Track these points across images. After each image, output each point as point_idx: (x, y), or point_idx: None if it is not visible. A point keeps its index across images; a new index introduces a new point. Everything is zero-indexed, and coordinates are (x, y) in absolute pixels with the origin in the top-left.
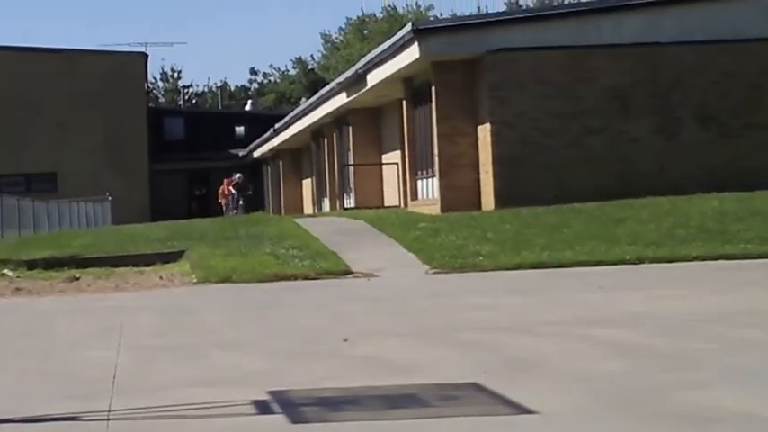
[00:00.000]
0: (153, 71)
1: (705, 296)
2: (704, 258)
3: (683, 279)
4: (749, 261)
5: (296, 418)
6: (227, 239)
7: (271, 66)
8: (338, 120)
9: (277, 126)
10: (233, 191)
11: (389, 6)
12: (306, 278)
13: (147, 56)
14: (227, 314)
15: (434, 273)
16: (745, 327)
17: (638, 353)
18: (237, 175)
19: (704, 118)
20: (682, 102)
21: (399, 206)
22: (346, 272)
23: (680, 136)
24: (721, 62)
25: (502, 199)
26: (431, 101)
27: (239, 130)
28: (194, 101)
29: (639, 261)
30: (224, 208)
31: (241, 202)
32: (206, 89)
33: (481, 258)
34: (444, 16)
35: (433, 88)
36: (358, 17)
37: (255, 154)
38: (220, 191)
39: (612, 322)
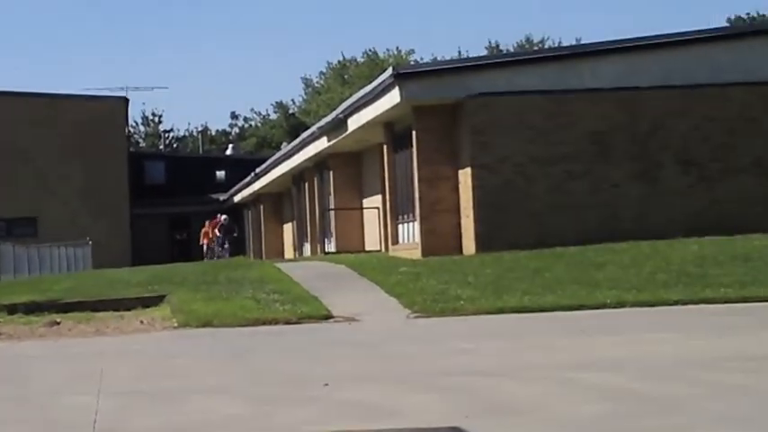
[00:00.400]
0: (134, 115)
1: (687, 341)
2: (685, 303)
3: (665, 323)
4: (729, 305)
5: None
6: (207, 284)
7: (252, 110)
8: (319, 164)
9: (258, 170)
10: (218, 233)
11: (370, 51)
12: (287, 323)
13: (127, 100)
14: (208, 359)
15: (416, 317)
16: (727, 371)
17: (621, 397)
18: (223, 217)
19: (684, 162)
20: (662, 146)
21: (380, 250)
22: (327, 316)
23: (660, 180)
24: (700, 107)
25: (483, 243)
26: (411, 145)
27: (220, 174)
28: (175, 145)
29: (620, 305)
30: (205, 250)
31: (226, 245)
32: (187, 133)
33: (462, 302)
34: (425, 60)
35: (414, 132)
36: (339, 61)
37: (236, 198)
38: (202, 232)
39: (594, 366)
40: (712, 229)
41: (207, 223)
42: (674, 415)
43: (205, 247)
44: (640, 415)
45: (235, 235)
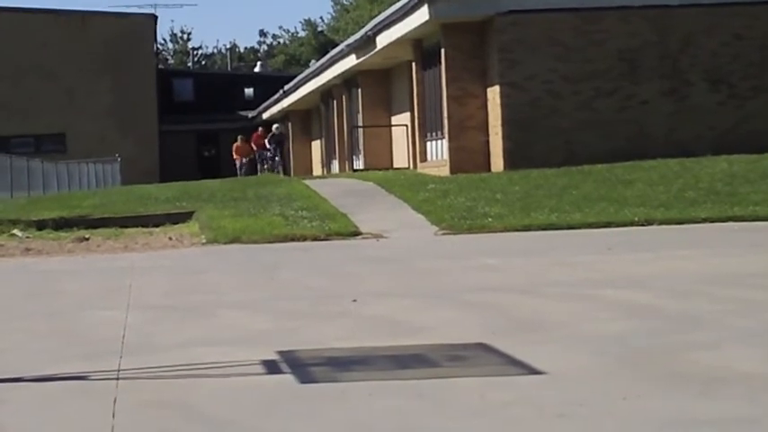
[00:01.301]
0: (162, 33)
1: (714, 258)
2: (713, 220)
3: (692, 241)
4: (758, 223)
5: (304, 378)
6: (235, 200)
7: (280, 27)
8: (348, 81)
9: (286, 87)
10: (268, 144)
11: None
12: (315, 239)
13: (156, 17)
14: (236, 275)
15: (443, 234)
16: (753, 288)
17: (647, 314)
18: (275, 126)
19: (714, 80)
20: (692, 64)
21: (408, 168)
22: (355, 233)
23: (690, 98)
24: (731, 24)
25: (511, 161)
26: (440, 63)
27: (248, 91)
28: (204, 62)
29: (648, 223)
30: (239, 166)
31: (278, 158)
32: (215, 51)
33: (490, 220)
34: None
35: (443, 50)
36: None
37: (265, 115)
38: (234, 147)
39: (621, 284)
40: (742, 146)
41: (240, 138)
42: (699, 331)
43: (238, 163)
44: (665, 332)
45: (285, 146)
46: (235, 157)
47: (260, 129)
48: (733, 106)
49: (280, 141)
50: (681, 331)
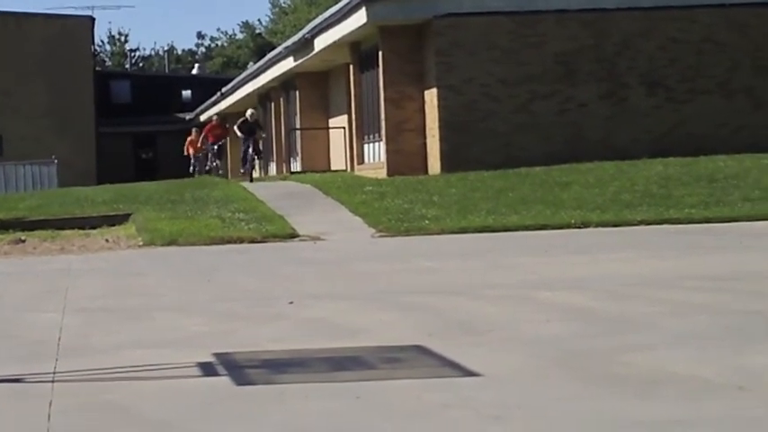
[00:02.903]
0: (100, 34)
1: (649, 260)
2: (648, 223)
3: (628, 243)
4: (693, 225)
5: (241, 381)
6: (173, 203)
7: (218, 30)
8: (285, 84)
9: (224, 90)
10: (239, 134)
11: None
12: (252, 241)
13: (93, 19)
14: (173, 277)
15: (380, 236)
16: (688, 290)
17: (583, 316)
18: (250, 111)
19: (651, 83)
20: (629, 67)
21: (346, 170)
22: (292, 235)
23: (626, 101)
24: (668, 28)
25: (448, 163)
26: (378, 66)
27: (186, 93)
28: (141, 65)
29: (584, 225)
30: (193, 161)
31: (250, 150)
32: (153, 53)
33: (427, 222)
34: None
35: (380, 53)
36: None
37: (202, 117)
38: (188, 141)
39: (557, 286)
40: (678, 149)
41: (194, 131)
42: (635, 334)
43: (192, 158)
44: (601, 334)
45: (263, 135)
46: (188, 152)
47: (194, 131)
48: (669, 110)
49: (251, 130)
50: (617, 333)
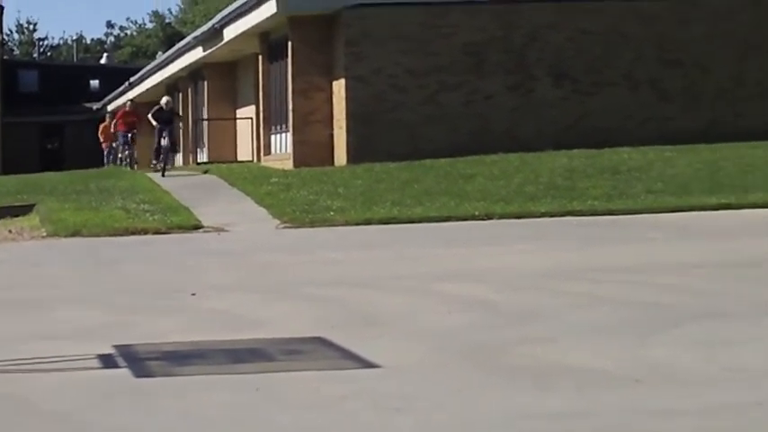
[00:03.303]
0: (8, 23)
1: (552, 252)
2: (552, 215)
3: (531, 235)
4: (596, 218)
5: (140, 373)
6: (77, 193)
7: (128, 19)
8: (194, 74)
9: (132, 79)
10: (154, 123)
11: None
12: (157, 232)
13: (2, 8)
14: (76, 268)
15: (285, 227)
16: (590, 282)
17: (485, 308)
18: (165, 99)
19: (558, 75)
20: (537, 59)
21: (253, 161)
22: (197, 226)
23: (534, 93)
24: (575, 20)
25: (355, 155)
26: (287, 56)
27: (94, 83)
28: (50, 54)
29: (488, 217)
30: (106, 152)
31: (164, 142)
32: (62, 42)
33: (332, 213)
34: None
35: (290, 43)
36: None
37: (110, 107)
38: (101, 128)
39: (460, 277)
40: (583, 142)
41: (108, 118)
42: (535, 325)
43: (106, 148)
44: (502, 325)
45: (175, 125)
46: (102, 140)
47: (107, 118)
48: (575, 102)
49: (168, 120)
50: (518, 325)
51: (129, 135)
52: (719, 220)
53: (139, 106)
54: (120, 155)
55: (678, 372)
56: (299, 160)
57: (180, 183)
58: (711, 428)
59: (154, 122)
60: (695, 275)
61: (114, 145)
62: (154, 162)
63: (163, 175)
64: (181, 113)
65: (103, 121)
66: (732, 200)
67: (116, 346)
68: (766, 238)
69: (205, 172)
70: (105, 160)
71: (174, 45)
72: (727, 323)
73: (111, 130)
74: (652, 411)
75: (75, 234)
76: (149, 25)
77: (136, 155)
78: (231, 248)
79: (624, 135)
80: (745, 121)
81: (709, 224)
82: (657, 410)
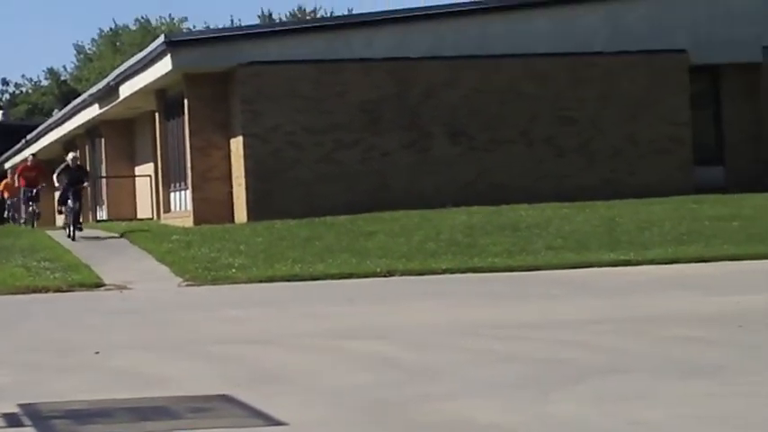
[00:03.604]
0: None
1: (453, 309)
2: (453, 271)
3: (433, 292)
4: (496, 274)
5: (46, 431)
6: None
7: (23, 76)
8: (91, 131)
9: (29, 137)
10: (57, 182)
11: (142, 18)
12: (58, 291)
13: None
14: None
15: (187, 285)
16: (489, 338)
17: (387, 366)
18: (71, 156)
19: (454, 132)
20: (432, 116)
21: (152, 218)
22: (99, 284)
23: (430, 150)
24: (470, 78)
25: (255, 212)
26: (184, 113)
27: None
28: None
29: (390, 274)
30: (7, 207)
31: (71, 203)
32: None
33: (234, 271)
34: (198, 28)
35: (186, 101)
36: (111, 29)
37: (6, 165)
38: (3, 184)
39: (362, 335)
40: (481, 198)
41: (9, 173)
42: (437, 383)
43: (8, 202)
44: (403, 383)
45: (85, 185)
46: (4, 196)
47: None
48: (472, 159)
49: (76, 179)
50: (420, 382)
51: (33, 191)
52: (619, 276)
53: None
54: (21, 212)
55: (585, 427)
56: (200, 217)
57: (81, 241)
58: None
59: (57, 183)
60: (595, 332)
61: (14, 200)
62: (64, 224)
63: (73, 239)
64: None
65: (5, 176)
66: (630, 256)
67: (21, 405)
68: (662, 294)
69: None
70: (6, 213)
71: (69, 102)
72: (627, 379)
73: (15, 185)
74: None
75: None
76: (45, 82)
77: (38, 211)
78: (134, 307)
79: (521, 192)
80: (638, 178)
81: (608, 281)
82: None
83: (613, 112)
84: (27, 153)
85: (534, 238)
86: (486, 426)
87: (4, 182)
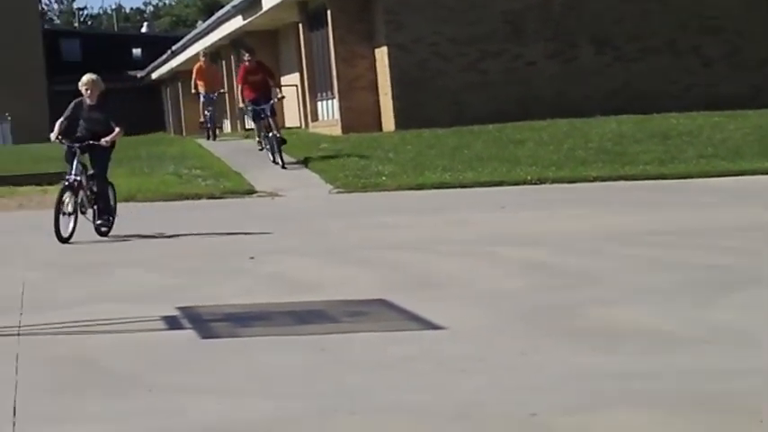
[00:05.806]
0: None
1: (606, 216)
2: (604, 179)
3: (585, 199)
4: (648, 182)
5: (206, 334)
6: (129, 159)
7: None
8: (235, 42)
9: (174, 48)
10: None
11: None
12: (210, 198)
13: None
14: (133, 233)
15: (338, 192)
16: (647, 246)
17: (543, 272)
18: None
19: (600, 42)
20: (577, 26)
21: (300, 127)
22: (250, 191)
23: (576, 60)
24: None
25: (402, 121)
26: (327, 24)
27: (136, 52)
28: (90, 23)
29: (541, 182)
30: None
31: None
32: (101, 12)
33: (384, 178)
34: None
35: (329, 12)
36: None
37: (154, 75)
38: (196, 69)
39: (516, 241)
40: (628, 108)
41: (203, 58)
42: (595, 288)
43: (203, 97)
44: (560, 289)
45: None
46: (200, 89)
47: (202, 58)
48: (618, 68)
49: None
50: (576, 288)
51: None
52: None
53: (181, 74)
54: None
55: (746, 333)
56: (347, 126)
57: (230, 149)
58: None
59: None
60: (755, 239)
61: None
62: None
63: (283, 167)
64: (225, 80)
65: (199, 61)
66: None
67: (179, 308)
68: None
69: (226, 135)
70: (202, 109)
71: (213, 14)
72: None
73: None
74: (723, 371)
75: (128, 199)
76: None
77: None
78: (286, 213)
79: (667, 101)
80: None
81: (765, 189)
82: (728, 371)
83: (760, 19)
84: (174, 63)
85: (685, 146)
86: (648, 330)
87: (197, 65)
